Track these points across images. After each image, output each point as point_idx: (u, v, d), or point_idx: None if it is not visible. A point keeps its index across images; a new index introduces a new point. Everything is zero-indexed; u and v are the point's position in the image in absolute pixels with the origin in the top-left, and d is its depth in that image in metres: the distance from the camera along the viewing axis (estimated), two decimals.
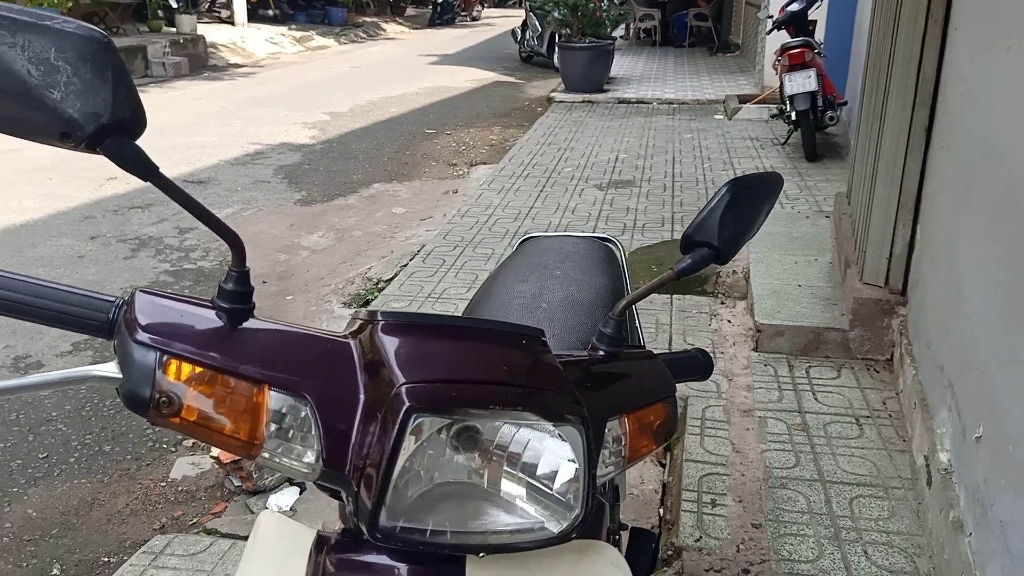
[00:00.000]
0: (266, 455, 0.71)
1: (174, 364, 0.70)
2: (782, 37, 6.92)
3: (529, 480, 0.72)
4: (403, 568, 0.72)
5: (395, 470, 0.66)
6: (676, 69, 12.69)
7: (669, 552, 2.30)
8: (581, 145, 7.56)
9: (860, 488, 2.48)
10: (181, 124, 8.91)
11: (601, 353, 0.87)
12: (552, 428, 0.71)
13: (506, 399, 0.69)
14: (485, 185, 6.24)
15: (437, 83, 12.33)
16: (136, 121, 0.66)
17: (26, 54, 0.62)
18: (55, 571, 2.45)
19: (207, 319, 0.74)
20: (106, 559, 2.51)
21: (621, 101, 9.92)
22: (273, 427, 0.70)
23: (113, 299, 0.77)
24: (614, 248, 1.82)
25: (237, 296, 0.76)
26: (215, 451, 2.86)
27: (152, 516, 2.70)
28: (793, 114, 6.44)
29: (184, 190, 0.72)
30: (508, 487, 0.72)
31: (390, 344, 0.72)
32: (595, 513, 1.32)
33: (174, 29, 14.44)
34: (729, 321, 3.69)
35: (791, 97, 6.35)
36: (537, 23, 13.69)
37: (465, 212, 5.52)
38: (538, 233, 1.90)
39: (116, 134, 0.66)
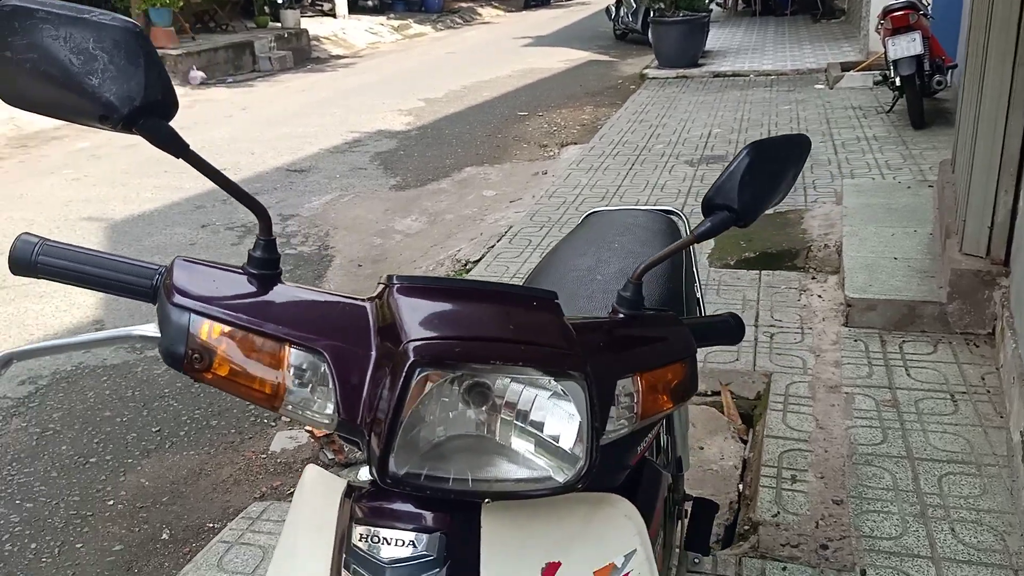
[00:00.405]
0: (289, 407, 0.78)
1: (206, 324, 0.78)
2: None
3: (537, 434, 0.75)
4: (427, 515, 0.78)
5: (400, 421, 0.71)
6: (776, 39, 12.28)
7: (746, 527, 2.28)
8: (673, 122, 7.44)
9: (951, 465, 2.39)
10: (286, 115, 9.27)
11: (620, 316, 0.89)
12: (554, 383, 0.74)
13: (508, 355, 0.73)
14: (574, 165, 6.24)
15: (531, 65, 12.34)
16: (167, 103, 0.73)
17: (68, 45, 0.70)
18: (164, 535, 2.64)
19: (238, 283, 0.81)
20: (211, 524, 2.68)
21: (716, 75, 9.70)
22: (296, 382, 0.77)
23: (156, 267, 0.85)
24: (678, 220, 1.82)
25: (265, 263, 0.82)
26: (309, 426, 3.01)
27: (253, 485, 2.87)
28: (897, 80, 6.15)
29: (213, 166, 0.78)
30: (516, 441, 0.76)
31: (403, 305, 0.77)
32: (651, 481, 1.35)
33: (279, 24, 14.97)
34: (819, 296, 3.59)
35: (895, 62, 6.06)
36: None
37: (553, 192, 5.54)
38: (601, 208, 1.92)
39: (149, 115, 0.73)
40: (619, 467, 1.27)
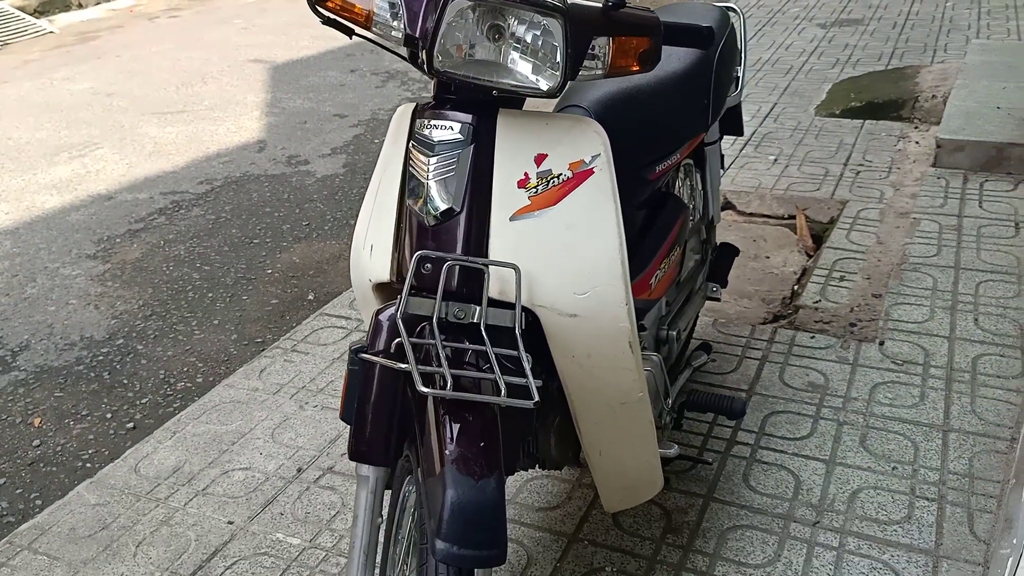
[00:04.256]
0: (377, 27, 1.19)
1: None
2: None
3: (533, 60, 1.14)
4: (462, 114, 1.19)
5: (440, 30, 1.10)
6: None
7: (789, 311, 2.61)
8: None
9: (993, 275, 2.61)
10: None
11: (610, 3, 1.24)
12: (541, 20, 1.11)
13: None
14: None
15: None
16: None
17: None
18: (310, 296, 3.25)
19: None
20: (346, 293, 3.26)
21: None
22: (381, 10, 1.18)
23: None
24: (732, 14, 2.10)
25: None
26: None
27: None
28: None
29: None
30: (520, 63, 1.14)
31: None
32: (672, 208, 1.73)
33: None
34: (917, 143, 3.72)
35: None
36: None
37: None
38: (672, 2, 2.21)
39: None
40: (639, 180, 1.65)
